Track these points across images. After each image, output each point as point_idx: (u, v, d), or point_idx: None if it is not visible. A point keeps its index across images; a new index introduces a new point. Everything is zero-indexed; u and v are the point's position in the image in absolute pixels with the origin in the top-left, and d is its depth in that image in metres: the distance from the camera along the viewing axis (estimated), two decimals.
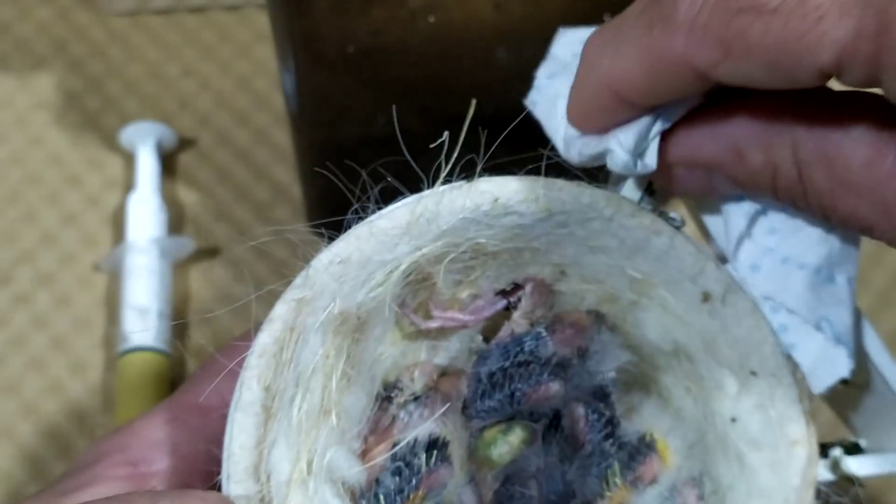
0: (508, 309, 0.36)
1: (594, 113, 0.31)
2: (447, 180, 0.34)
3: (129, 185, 0.61)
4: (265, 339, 0.32)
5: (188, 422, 0.35)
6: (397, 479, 0.34)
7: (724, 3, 0.26)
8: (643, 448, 0.35)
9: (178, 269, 0.59)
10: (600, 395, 0.35)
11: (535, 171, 0.34)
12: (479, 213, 0.34)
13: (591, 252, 0.35)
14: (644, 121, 0.31)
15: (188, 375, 0.57)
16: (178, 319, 0.58)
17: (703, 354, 0.34)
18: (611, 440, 0.34)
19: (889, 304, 0.60)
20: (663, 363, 0.37)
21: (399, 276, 0.34)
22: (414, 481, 0.34)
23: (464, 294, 0.37)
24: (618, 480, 0.34)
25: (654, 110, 0.31)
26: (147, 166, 0.61)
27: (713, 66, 0.27)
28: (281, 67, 0.52)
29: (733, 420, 0.34)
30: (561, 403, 0.35)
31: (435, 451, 0.34)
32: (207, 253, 0.60)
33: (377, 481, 0.34)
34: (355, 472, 0.33)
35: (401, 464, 0.34)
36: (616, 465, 0.34)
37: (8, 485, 0.54)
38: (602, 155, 0.32)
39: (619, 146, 0.32)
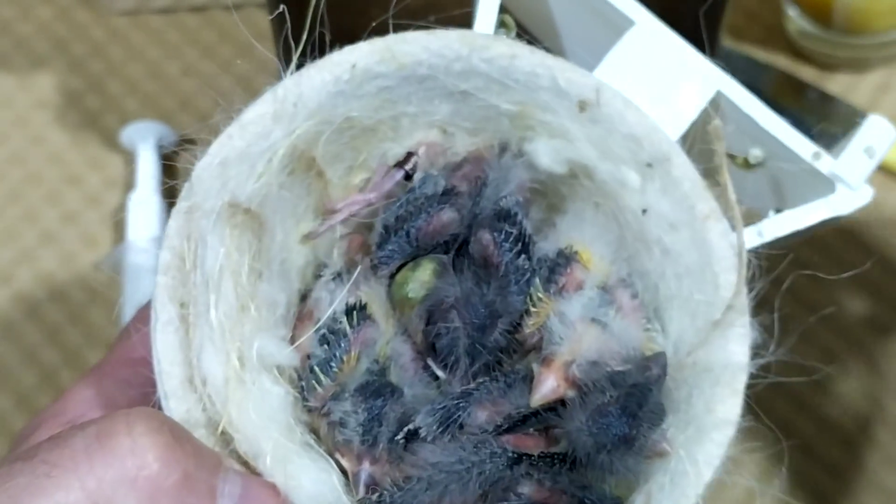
0: (410, 178, 0.37)
1: None
2: (301, 62, 0.34)
3: (129, 184, 0.62)
4: (165, 255, 0.33)
5: (118, 375, 0.35)
6: (326, 347, 0.34)
7: None
8: (562, 260, 0.35)
9: None
10: (504, 215, 0.35)
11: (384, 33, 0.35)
12: (341, 84, 0.34)
13: (464, 101, 0.36)
14: None
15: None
16: None
17: (599, 161, 0.35)
18: (524, 256, 0.35)
19: None
20: (567, 190, 0.37)
21: (279, 163, 0.34)
22: (343, 344, 0.34)
23: (357, 179, 0.37)
24: (540, 294, 0.34)
25: None
26: (147, 166, 0.61)
27: None
28: (281, 67, 0.52)
29: (644, 211, 0.35)
30: (465, 232, 0.36)
31: (355, 313, 0.35)
32: None
33: (309, 357, 0.34)
34: (287, 355, 0.34)
35: (325, 332, 0.34)
36: (537, 280, 0.34)
37: None
38: None
39: None
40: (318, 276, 0.36)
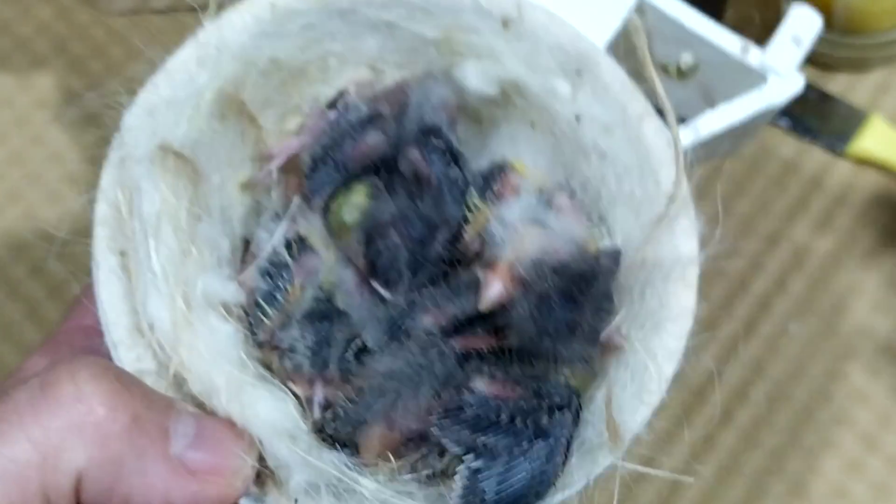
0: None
1: None
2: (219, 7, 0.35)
3: None
4: (101, 207, 0.33)
5: (72, 342, 0.35)
6: (269, 279, 0.34)
7: None
8: (496, 170, 0.36)
9: None
10: (430, 131, 0.36)
11: None
12: (264, 25, 0.34)
13: (390, 35, 0.36)
14: None
15: None
16: None
17: (528, 77, 0.36)
18: (455, 167, 0.35)
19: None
20: (501, 113, 0.37)
21: (208, 107, 0.34)
22: (285, 275, 0.34)
23: (291, 125, 0.37)
24: (476, 201, 0.34)
25: None
26: None
27: None
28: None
29: (577, 118, 0.35)
30: (393, 153, 0.36)
31: (294, 245, 0.35)
32: None
33: (253, 292, 0.34)
34: (232, 291, 0.34)
35: (267, 265, 0.35)
36: (472, 190, 0.35)
37: None
38: None
39: None
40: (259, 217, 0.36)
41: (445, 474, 0.32)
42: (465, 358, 0.33)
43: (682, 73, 0.41)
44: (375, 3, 0.35)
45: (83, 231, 0.57)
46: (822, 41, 0.65)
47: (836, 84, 0.66)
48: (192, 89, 0.34)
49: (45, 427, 0.28)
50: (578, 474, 0.32)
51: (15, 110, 0.65)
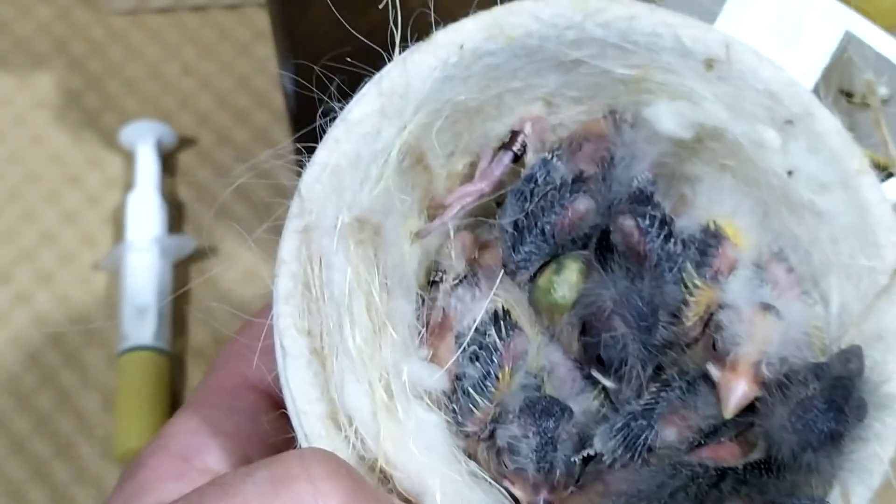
0: (519, 160, 0.34)
1: None
2: (404, 46, 0.31)
3: (128, 184, 0.62)
4: (284, 282, 0.29)
5: (218, 403, 0.33)
6: (478, 364, 0.31)
7: None
8: (710, 238, 0.32)
9: (178, 268, 0.59)
10: (642, 198, 0.32)
11: (489, 4, 0.32)
12: (449, 68, 0.32)
13: (575, 70, 0.33)
14: None
15: (191, 376, 0.57)
16: (178, 318, 0.58)
17: (731, 122, 0.33)
18: (672, 240, 0.32)
19: None
20: (690, 154, 0.35)
21: (395, 163, 0.31)
22: (495, 360, 0.31)
23: (460, 165, 0.34)
24: (697, 281, 0.31)
25: None
26: (147, 165, 0.61)
27: None
28: (281, 67, 0.52)
29: (790, 173, 0.32)
30: (603, 221, 0.33)
31: (502, 323, 0.32)
32: (207, 252, 0.60)
33: (458, 378, 0.31)
34: (437, 379, 0.31)
35: (475, 348, 0.31)
36: (689, 265, 0.32)
37: (8, 485, 0.54)
38: None
39: None
40: (433, 281, 0.33)
41: None
42: (718, 476, 0.30)
43: (865, 104, 0.38)
44: (566, 41, 0.32)
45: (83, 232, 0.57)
46: None
47: None
48: (379, 146, 0.31)
49: None
50: None
51: (15, 110, 0.65)
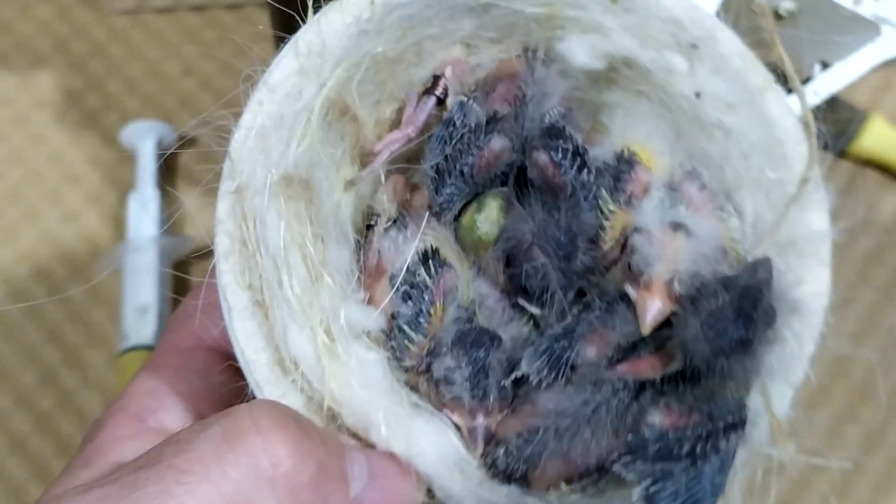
0: (442, 103, 0.35)
1: None
2: (317, 7, 0.32)
3: (129, 183, 0.61)
4: (222, 241, 0.31)
5: (173, 364, 0.34)
6: (410, 303, 0.33)
7: None
8: (623, 165, 0.34)
9: (178, 267, 0.59)
10: (554, 133, 0.34)
11: None
12: (362, 23, 0.33)
13: (487, 12, 0.34)
14: None
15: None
16: None
17: (640, 51, 0.34)
18: (586, 170, 0.33)
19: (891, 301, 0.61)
20: (604, 84, 0.36)
21: (318, 120, 0.33)
22: (426, 297, 0.33)
23: (387, 112, 0.36)
24: (611, 206, 0.33)
25: None
26: (147, 165, 0.61)
27: None
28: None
29: (698, 95, 0.34)
30: (519, 158, 0.34)
31: (430, 262, 0.33)
32: (207, 252, 0.60)
33: (394, 316, 0.33)
34: (374, 319, 0.32)
35: (406, 287, 0.33)
36: (603, 191, 0.33)
37: (8, 485, 0.54)
38: None
39: None
40: (368, 225, 0.35)
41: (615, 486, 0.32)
42: (637, 389, 0.32)
43: (779, 18, 0.38)
44: None
45: (83, 232, 0.57)
46: None
47: None
48: (300, 104, 0.32)
49: (235, 480, 0.27)
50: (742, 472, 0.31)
51: (15, 110, 0.65)
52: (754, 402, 0.31)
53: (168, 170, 0.63)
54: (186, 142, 0.65)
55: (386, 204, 0.35)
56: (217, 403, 0.33)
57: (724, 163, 0.34)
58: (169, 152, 0.64)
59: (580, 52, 0.35)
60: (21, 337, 0.59)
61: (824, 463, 0.31)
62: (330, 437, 0.30)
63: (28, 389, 0.58)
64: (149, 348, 0.56)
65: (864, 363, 0.59)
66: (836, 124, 0.65)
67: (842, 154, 0.64)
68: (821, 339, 0.32)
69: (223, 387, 0.33)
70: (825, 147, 0.33)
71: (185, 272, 0.61)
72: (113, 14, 0.68)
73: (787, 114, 0.33)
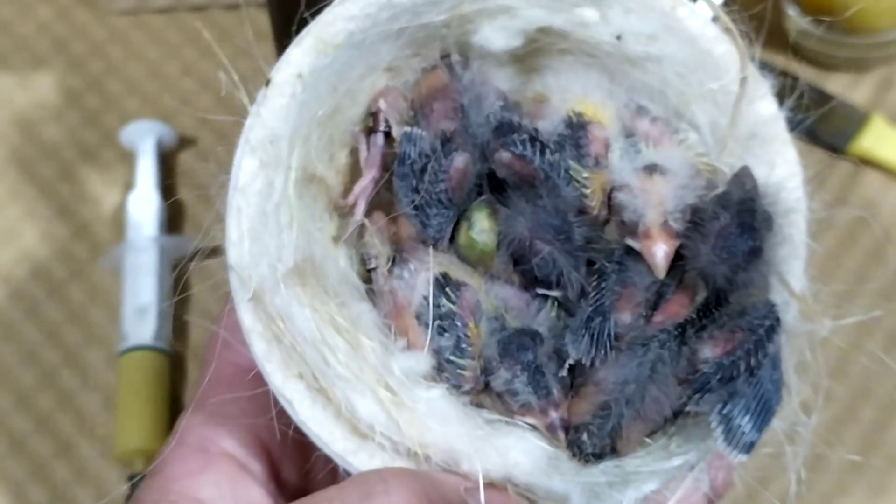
0: (389, 135, 0.37)
1: None
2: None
3: (129, 183, 0.62)
4: (259, 346, 0.32)
5: (219, 394, 0.35)
6: (447, 334, 0.34)
7: None
8: (576, 129, 0.36)
9: (178, 268, 0.59)
10: (505, 128, 0.35)
11: None
12: (298, 98, 0.34)
13: (402, 35, 0.36)
14: None
15: (191, 376, 0.57)
16: (178, 318, 0.58)
17: (550, 16, 0.36)
18: (548, 150, 0.35)
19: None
20: (529, 56, 0.38)
21: (296, 199, 0.34)
22: (458, 323, 0.34)
23: (342, 159, 0.37)
24: (584, 173, 0.35)
25: None
26: (147, 165, 0.61)
27: None
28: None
29: (619, 38, 0.36)
30: (485, 165, 0.36)
31: (447, 289, 0.35)
32: (208, 252, 0.60)
33: (437, 351, 0.34)
34: (422, 361, 0.34)
35: (438, 322, 0.34)
36: (571, 163, 0.35)
37: (8, 485, 0.55)
38: None
39: None
40: (369, 269, 0.36)
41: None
42: (680, 333, 0.33)
43: None
44: (383, 21, 0.35)
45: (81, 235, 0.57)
46: (822, 41, 0.65)
47: (836, 84, 0.66)
48: (276, 195, 0.33)
49: None
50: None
51: (15, 110, 0.65)
52: (777, 295, 0.33)
53: (167, 170, 0.63)
54: (186, 142, 0.65)
55: (379, 246, 0.36)
56: (270, 425, 0.34)
57: (664, 88, 0.36)
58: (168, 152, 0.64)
59: (495, 37, 0.36)
60: (21, 337, 0.59)
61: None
62: (444, 482, 0.31)
63: (28, 389, 0.58)
64: (149, 348, 0.57)
65: (863, 364, 0.59)
66: (836, 124, 0.65)
67: (842, 154, 0.64)
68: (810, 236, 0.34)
69: (271, 409, 0.34)
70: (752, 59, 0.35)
71: (185, 272, 0.61)
72: (113, 14, 0.68)
73: (704, 23, 0.35)
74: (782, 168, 0.34)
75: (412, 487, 0.30)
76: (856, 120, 0.65)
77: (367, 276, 0.37)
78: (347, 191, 0.37)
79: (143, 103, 0.66)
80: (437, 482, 0.31)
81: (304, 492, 0.33)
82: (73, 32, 0.68)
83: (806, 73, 0.67)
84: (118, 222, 0.62)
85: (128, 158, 0.63)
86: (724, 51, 0.35)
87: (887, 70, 0.67)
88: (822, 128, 0.65)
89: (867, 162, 0.64)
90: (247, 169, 0.34)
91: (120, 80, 0.67)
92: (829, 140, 0.64)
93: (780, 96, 0.35)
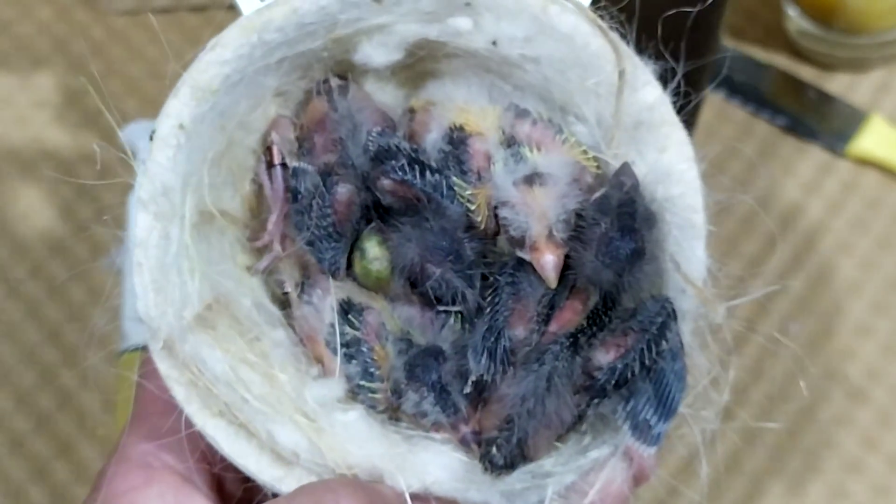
0: (286, 166, 0.37)
1: None
2: None
3: (129, 183, 0.61)
4: (179, 392, 0.33)
5: (155, 412, 0.35)
6: (354, 361, 0.35)
7: None
8: (457, 144, 0.36)
9: None
10: (383, 155, 0.36)
11: None
12: (183, 147, 0.35)
13: (283, 63, 0.36)
14: None
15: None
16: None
17: (423, 28, 0.36)
18: (428, 171, 0.35)
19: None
20: (412, 67, 0.38)
21: (196, 249, 0.35)
22: (364, 348, 0.35)
23: (247, 186, 0.38)
24: (468, 190, 0.35)
25: None
26: None
27: None
28: None
29: (495, 43, 0.36)
30: (369, 194, 0.36)
31: (349, 315, 0.36)
32: None
33: (349, 378, 0.35)
34: (335, 387, 0.35)
35: (345, 350, 0.35)
36: (454, 179, 0.35)
37: (8, 485, 0.54)
38: None
39: None
40: (284, 293, 0.37)
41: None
42: (573, 342, 0.34)
43: None
44: (258, 58, 0.36)
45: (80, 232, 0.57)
46: (822, 41, 0.65)
47: (836, 84, 0.66)
48: (174, 246, 0.34)
49: None
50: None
51: (15, 109, 0.65)
52: (674, 279, 0.34)
53: None
54: None
55: (290, 271, 0.37)
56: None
57: (547, 86, 0.36)
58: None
59: (376, 54, 0.37)
60: (21, 337, 0.59)
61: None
62: (388, 495, 0.32)
63: (28, 389, 0.58)
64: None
65: (860, 367, 0.59)
66: (836, 124, 0.65)
67: (842, 154, 0.64)
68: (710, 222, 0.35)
69: None
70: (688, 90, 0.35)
71: None
72: (113, 14, 0.69)
73: (576, 20, 0.35)
74: (672, 151, 0.35)
75: (361, 498, 0.31)
76: (856, 120, 0.65)
77: (284, 301, 0.37)
78: (255, 219, 0.38)
79: (144, 103, 0.66)
80: (380, 493, 0.32)
81: (247, 502, 0.34)
82: (74, 32, 0.68)
83: (806, 73, 0.67)
84: (118, 222, 0.62)
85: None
86: (599, 45, 0.35)
87: (887, 70, 0.67)
88: (822, 128, 0.65)
89: (867, 162, 0.64)
90: (142, 224, 0.35)
91: (120, 81, 0.67)
92: (829, 140, 0.65)
93: (663, 80, 0.35)
